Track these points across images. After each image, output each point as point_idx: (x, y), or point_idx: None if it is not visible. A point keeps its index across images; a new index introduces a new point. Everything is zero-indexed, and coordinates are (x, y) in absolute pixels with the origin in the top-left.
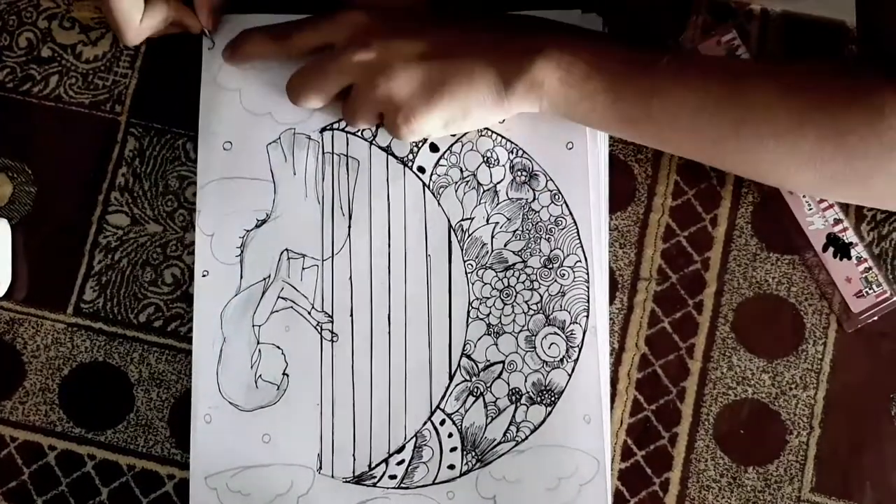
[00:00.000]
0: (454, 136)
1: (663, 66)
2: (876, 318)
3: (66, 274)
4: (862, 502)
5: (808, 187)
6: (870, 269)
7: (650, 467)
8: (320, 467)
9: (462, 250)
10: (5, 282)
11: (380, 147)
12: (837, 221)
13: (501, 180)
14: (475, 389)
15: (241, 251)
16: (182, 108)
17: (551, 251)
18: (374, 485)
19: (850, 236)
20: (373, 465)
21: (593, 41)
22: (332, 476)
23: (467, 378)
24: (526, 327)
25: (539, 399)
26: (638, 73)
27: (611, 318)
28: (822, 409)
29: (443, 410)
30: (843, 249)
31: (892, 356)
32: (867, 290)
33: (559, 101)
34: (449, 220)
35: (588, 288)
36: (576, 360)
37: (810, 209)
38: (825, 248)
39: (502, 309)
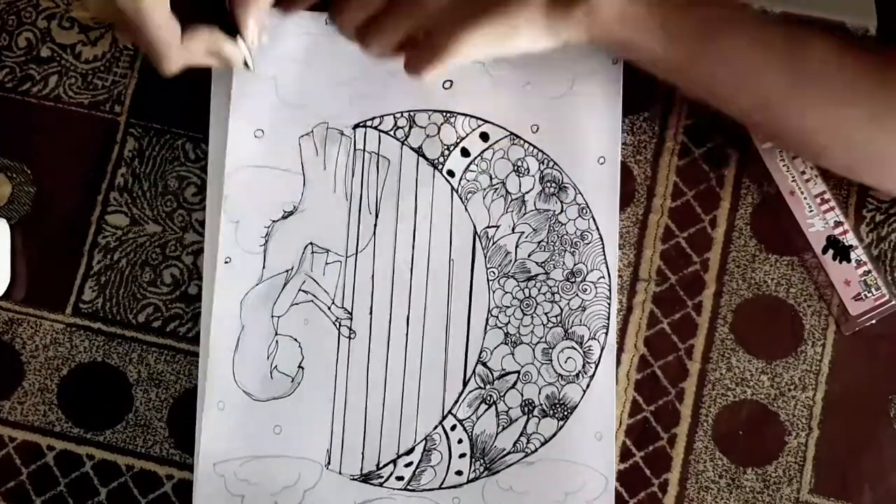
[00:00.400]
0: (487, 144)
1: (727, 13)
2: (874, 321)
3: (65, 274)
4: (861, 503)
5: (842, 161)
6: (869, 272)
7: (649, 468)
8: (328, 463)
9: (485, 257)
10: (4, 282)
11: (411, 148)
12: (838, 224)
13: (530, 190)
14: (488, 397)
15: (266, 241)
16: (182, 109)
17: (575, 265)
18: (381, 485)
19: (849, 239)
20: (381, 465)
21: None
22: (340, 472)
23: (481, 385)
24: (544, 339)
25: (552, 412)
26: (700, 16)
27: None
28: (820, 411)
29: (454, 416)
30: (842, 252)
31: (891, 358)
32: (866, 293)
33: (613, 32)
34: (475, 226)
35: (609, 305)
36: (591, 377)
37: (811, 211)
38: (825, 251)
39: (521, 319)
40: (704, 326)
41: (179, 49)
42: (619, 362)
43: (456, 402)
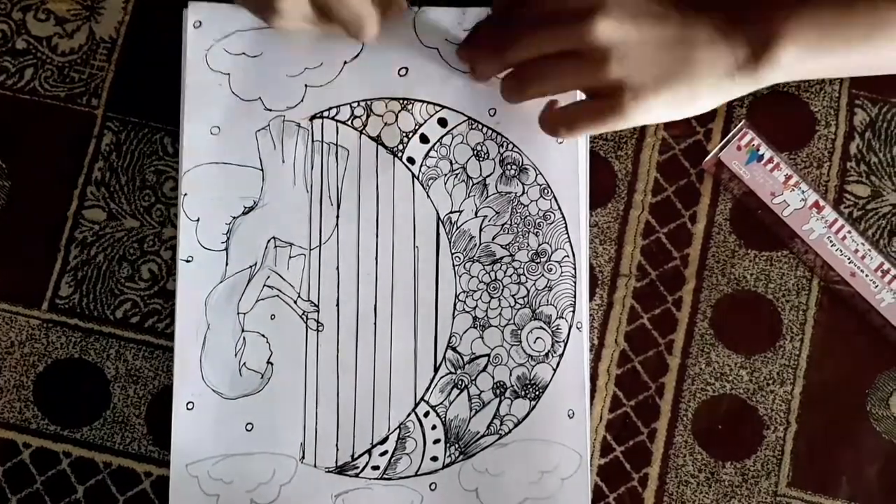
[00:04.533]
0: (446, 129)
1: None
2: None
3: (42, 269)
4: (837, 497)
5: None
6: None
7: (629, 463)
8: (303, 457)
9: (450, 243)
10: None
11: (370, 137)
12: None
13: (491, 173)
14: (460, 382)
15: (228, 238)
16: (160, 102)
17: (539, 245)
18: (357, 475)
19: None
20: (356, 456)
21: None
22: (315, 466)
23: (452, 370)
24: (512, 321)
25: (523, 393)
26: (862, 23)
27: (590, 315)
28: (798, 405)
29: (427, 402)
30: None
31: (867, 352)
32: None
33: (794, 75)
34: (437, 213)
35: (575, 283)
36: (561, 355)
37: (779, 195)
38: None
39: (489, 302)
40: (684, 322)
41: (373, 13)
42: (599, 357)
43: (428, 388)
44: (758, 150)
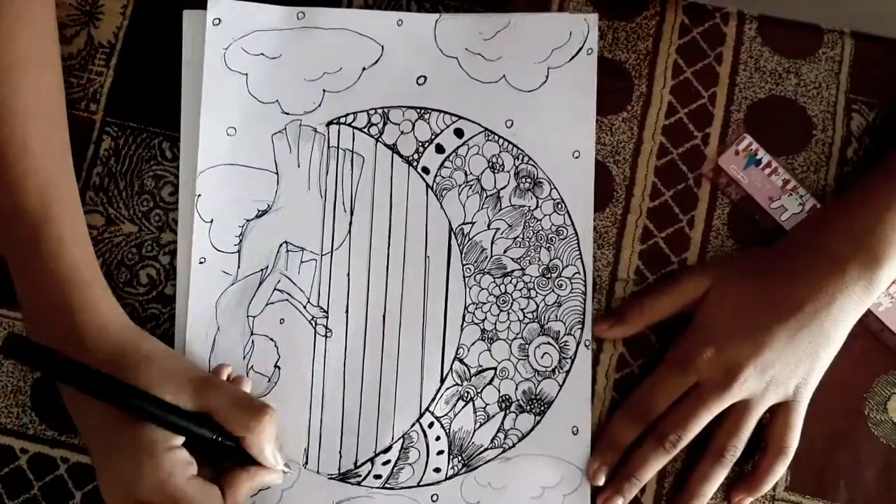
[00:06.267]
0: (462, 140)
1: None
2: None
3: None
4: (836, 501)
5: None
6: None
7: None
8: (306, 462)
9: (461, 254)
10: None
11: (386, 145)
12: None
13: (505, 186)
14: (465, 394)
15: (240, 240)
16: (158, 107)
17: (550, 261)
18: (359, 483)
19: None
20: (358, 464)
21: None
22: (318, 472)
23: (458, 382)
24: (520, 335)
25: (528, 408)
26: None
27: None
28: None
29: (432, 413)
30: None
31: (865, 356)
32: None
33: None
34: (450, 223)
35: (584, 300)
36: (567, 372)
37: (777, 199)
38: None
39: (498, 315)
40: (682, 327)
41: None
42: (597, 361)
43: (433, 399)
44: (756, 154)
